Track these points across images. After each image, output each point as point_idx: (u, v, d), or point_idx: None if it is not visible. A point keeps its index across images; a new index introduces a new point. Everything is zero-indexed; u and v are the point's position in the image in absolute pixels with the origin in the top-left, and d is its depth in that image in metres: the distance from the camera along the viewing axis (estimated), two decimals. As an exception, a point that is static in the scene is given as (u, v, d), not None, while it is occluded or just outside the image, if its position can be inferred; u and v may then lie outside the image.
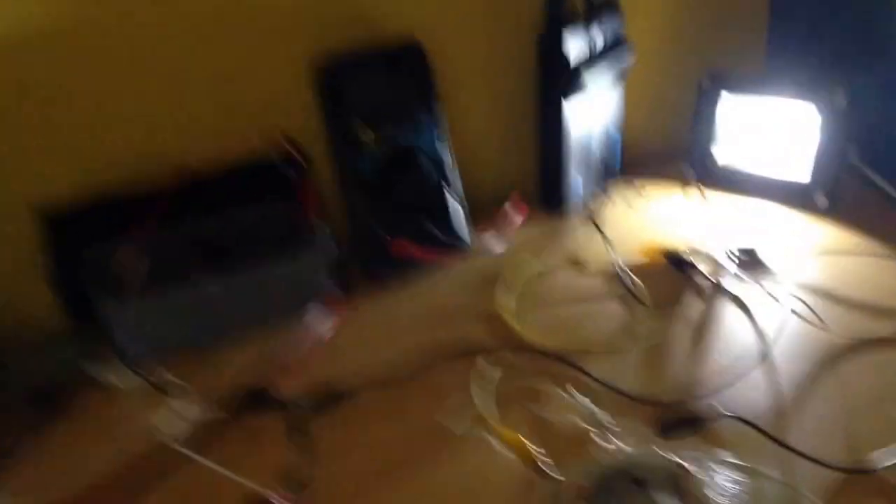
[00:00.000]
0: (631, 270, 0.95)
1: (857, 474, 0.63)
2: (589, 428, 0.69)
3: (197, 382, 0.83)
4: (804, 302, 0.85)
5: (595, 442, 0.67)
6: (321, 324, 0.91)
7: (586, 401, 0.72)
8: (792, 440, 0.66)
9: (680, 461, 0.58)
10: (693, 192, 1.12)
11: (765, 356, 0.78)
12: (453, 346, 0.84)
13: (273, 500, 0.63)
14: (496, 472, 0.67)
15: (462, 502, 0.65)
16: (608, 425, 0.69)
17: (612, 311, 0.89)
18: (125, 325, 0.85)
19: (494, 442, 0.69)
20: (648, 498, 0.59)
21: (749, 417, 0.68)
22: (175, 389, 0.82)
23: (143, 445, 0.75)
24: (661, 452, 0.61)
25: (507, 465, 0.67)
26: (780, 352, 0.78)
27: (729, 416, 0.68)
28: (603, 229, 1.04)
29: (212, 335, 0.89)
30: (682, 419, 0.68)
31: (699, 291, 0.90)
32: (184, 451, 0.73)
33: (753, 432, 0.67)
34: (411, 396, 0.79)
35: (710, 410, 0.68)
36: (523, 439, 0.68)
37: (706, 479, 0.57)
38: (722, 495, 0.56)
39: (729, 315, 0.85)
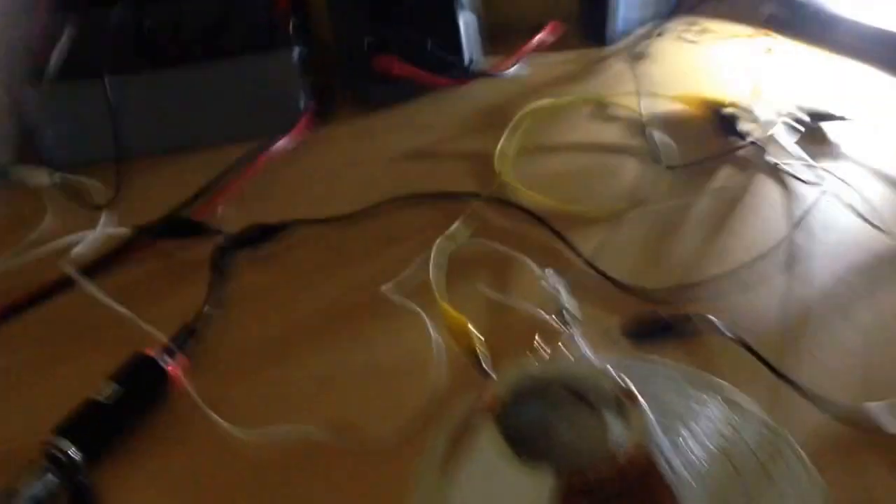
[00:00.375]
0: (663, 122, 0.78)
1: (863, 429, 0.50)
2: (550, 321, 0.56)
3: (121, 197, 0.72)
4: (868, 200, 0.68)
5: (545, 341, 0.54)
6: (281, 143, 0.78)
7: (559, 286, 0.59)
8: (800, 374, 0.52)
9: (624, 383, 0.45)
10: (767, 39, 0.92)
11: (792, 262, 0.63)
12: (425, 189, 0.71)
13: (150, 355, 0.53)
14: (426, 358, 0.55)
15: (375, 386, 0.54)
16: (571, 320, 0.56)
17: (627, 169, 0.74)
18: (46, 116, 0.74)
19: (430, 323, 0.57)
20: (589, 412, 0.47)
21: (752, 334, 0.54)
22: (95, 200, 0.71)
23: (36, 256, 0.66)
24: (598, 365, 0.48)
25: (442, 353, 0.55)
26: (819, 256, 0.63)
27: (720, 328, 0.54)
28: (643, 68, 0.87)
29: (153, 144, 0.77)
30: (662, 323, 0.55)
31: (739, 162, 0.74)
32: (74, 274, 0.63)
33: (748, 354, 0.53)
34: (356, 243, 0.67)
35: (701, 318, 0.55)
36: (469, 326, 0.55)
37: (648, 416, 0.44)
38: (661, 445, 0.44)
39: (767, 199, 0.69)
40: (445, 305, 0.57)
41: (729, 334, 0.52)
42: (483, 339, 0.54)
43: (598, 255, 0.63)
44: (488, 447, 0.42)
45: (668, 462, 0.43)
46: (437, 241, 0.64)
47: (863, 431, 0.48)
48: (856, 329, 0.55)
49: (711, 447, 0.48)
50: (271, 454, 0.49)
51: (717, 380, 0.51)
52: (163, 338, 0.56)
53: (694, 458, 0.47)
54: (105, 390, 0.50)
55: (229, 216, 0.70)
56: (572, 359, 0.49)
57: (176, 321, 0.58)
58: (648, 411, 0.44)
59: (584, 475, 0.40)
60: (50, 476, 0.44)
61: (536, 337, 0.52)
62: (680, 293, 0.59)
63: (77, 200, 0.72)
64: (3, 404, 0.54)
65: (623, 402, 0.44)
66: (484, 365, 0.53)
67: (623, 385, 0.45)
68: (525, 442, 0.45)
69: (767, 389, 0.51)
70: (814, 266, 0.61)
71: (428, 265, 0.62)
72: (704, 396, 0.51)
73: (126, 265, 0.65)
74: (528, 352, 0.52)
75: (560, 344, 0.53)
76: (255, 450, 0.49)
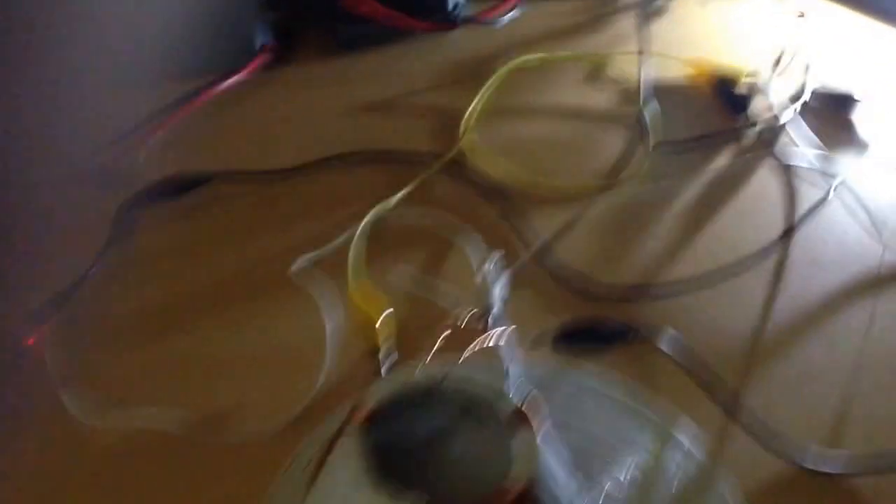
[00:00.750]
0: (664, 91, 0.69)
1: (811, 473, 0.42)
2: (472, 318, 0.49)
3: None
4: (881, 209, 0.59)
5: (465, 341, 0.47)
6: (227, 84, 0.71)
7: (495, 277, 0.51)
8: (760, 409, 0.44)
9: (523, 401, 0.39)
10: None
11: (779, 271, 0.54)
12: (377, 147, 0.64)
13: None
14: (323, 350, 0.48)
15: (259, 375, 0.48)
16: (496, 319, 0.49)
17: (611, 143, 0.66)
18: None
19: (340, 309, 0.50)
20: (474, 433, 0.41)
21: (714, 352, 0.47)
22: None
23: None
24: (495, 378, 0.41)
25: (345, 347, 0.49)
26: (812, 269, 0.54)
27: (665, 349, 0.46)
28: (655, 27, 0.77)
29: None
30: (605, 330, 0.47)
31: (741, 146, 0.65)
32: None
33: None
34: (284, 204, 0.60)
35: (651, 330, 0.47)
36: (379, 319, 0.48)
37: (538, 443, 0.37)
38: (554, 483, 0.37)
39: (766, 194, 0.60)
40: (354, 292, 0.50)
41: (676, 357, 0.45)
42: (394, 333, 0.47)
43: (556, 240, 0.56)
44: (349, 466, 0.36)
45: (557, 500, 0.36)
46: (372, 211, 0.57)
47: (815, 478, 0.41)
48: (839, 363, 0.47)
49: (627, 486, 0.40)
50: (120, 444, 0.43)
51: (654, 406, 0.44)
52: (39, 300, 0.50)
53: (602, 497, 0.40)
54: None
55: (152, 162, 0.63)
56: (474, 366, 0.41)
57: (63, 280, 0.52)
58: (540, 437, 0.37)
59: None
60: None
61: (440, 337, 0.44)
62: (638, 295, 0.52)
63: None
64: None
65: (514, 424, 0.38)
66: (383, 364, 0.46)
67: (515, 404, 0.38)
68: (393, 464, 0.38)
69: (716, 420, 0.43)
70: (803, 280, 0.53)
71: (353, 239, 0.55)
72: (635, 422, 0.44)
73: (22, 210, 0.59)
74: (428, 354, 0.45)
75: (475, 346, 0.46)
76: (103, 437, 0.44)
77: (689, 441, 0.43)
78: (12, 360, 0.46)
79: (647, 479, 0.41)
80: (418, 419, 0.41)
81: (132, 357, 0.48)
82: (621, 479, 0.41)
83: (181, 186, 0.60)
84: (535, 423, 0.37)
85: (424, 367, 0.40)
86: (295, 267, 0.53)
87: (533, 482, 0.35)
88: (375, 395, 0.39)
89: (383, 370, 0.46)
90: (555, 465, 0.38)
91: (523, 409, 0.38)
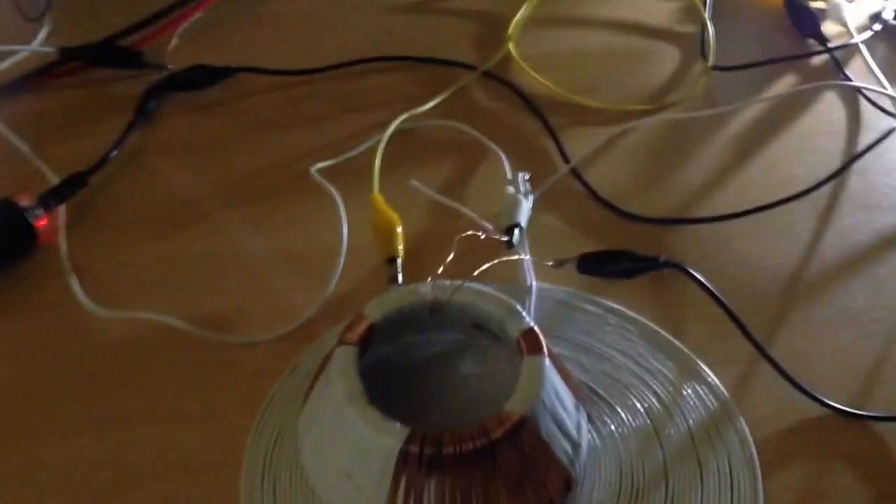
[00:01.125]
0: (730, 8, 0.66)
1: (840, 415, 0.40)
2: (495, 235, 0.48)
3: (58, 12, 0.65)
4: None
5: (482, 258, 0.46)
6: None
7: (523, 195, 0.50)
8: (785, 358, 0.42)
9: (530, 324, 0.37)
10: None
11: (830, 210, 0.52)
12: (412, 51, 0.62)
13: (17, 202, 0.47)
14: (337, 257, 0.47)
15: (270, 278, 0.47)
16: (519, 239, 0.47)
17: (664, 61, 0.63)
18: None
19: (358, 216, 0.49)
20: (476, 357, 0.40)
21: (745, 294, 0.45)
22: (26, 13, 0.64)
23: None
24: (507, 298, 0.39)
25: (359, 253, 0.48)
26: (868, 211, 0.51)
27: (699, 278, 0.44)
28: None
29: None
30: (631, 259, 0.45)
31: (808, 72, 0.62)
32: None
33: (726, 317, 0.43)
34: (310, 105, 0.59)
35: (680, 265, 0.45)
36: (398, 229, 0.47)
37: (545, 372, 0.36)
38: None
39: (828, 124, 0.57)
40: (379, 198, 0.49)
41: (708, 285, 0.43)
42: (412, 244, 0.47)
43: (593, 161, 0.54)
44: (344, 380, 0.35)
45: (565, 435, 0.36)
46: (401, 117, 0.55)
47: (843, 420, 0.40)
48: (882, 309, 0.45)
49: (636, 420, 0.40)
50: (126, 334, 0.44)
51: (680, 337, 0.43)
52: (54, 181, 0.50)
53: (611, 429, 0.39)
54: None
55: (179, 52, 0.62)
56: (492, 285, 0.40)
57: (79, 164, 0.52)
58: (548, 366, 0.36)
59: (438, 444, 0.33)
60: None
61: (455, 247, 0.42)
62: (673, 222, 0.50)
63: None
64: None
65: (523, 347, 0.37)
66: (398, 276, 0.45)
67: (527, 324, 0.37)
68: (387, 381, 0.38)
69: (744, 357, 0.42)
70: (855, 220, 0.50)
71: (380, 145, 0.53)
72: (659, 351, 0.43)
73: (46, 91, 0.59)
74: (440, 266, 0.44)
75: (495, 261, 0.45)
76: (109, 327, 0.44)
77: (713, 375, 0.41)
78: (21, 239, 0.46)
79: (665, 409, 0.40)
80: (421, 335, 0.40)
81: (144, 248, 0.48)
82: (638, 406, 0.40)
83: (207, 78, 0.59)
84: (543, 346, 0.36)
85: (435, 281, 0.39)
86: (316, 169, 0.51)
87: (534, 409, 0.34)
88: (378, 308, 0.38)
89: (398, 281, 0.45)
90: (563, 389, 0.37)
91: (534, 329, 0.37)
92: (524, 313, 0.37)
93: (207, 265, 0.47)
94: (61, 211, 0.49)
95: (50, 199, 0.48)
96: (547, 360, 0.35)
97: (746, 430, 0.39)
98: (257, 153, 0.54)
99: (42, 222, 0.47)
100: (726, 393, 0.40)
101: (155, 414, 0.40)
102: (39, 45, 0.61)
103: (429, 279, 0.39)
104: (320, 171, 0.52)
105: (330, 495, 0.35)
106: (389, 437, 0.32)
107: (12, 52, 0.60)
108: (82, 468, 0.38)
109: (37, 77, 0.59)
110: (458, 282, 0.38)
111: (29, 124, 0.55)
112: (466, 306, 0.39)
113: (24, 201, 0.47)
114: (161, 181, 0.52)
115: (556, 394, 0.36)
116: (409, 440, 0.32)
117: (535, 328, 0.36)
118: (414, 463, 0.32)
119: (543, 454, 0.35)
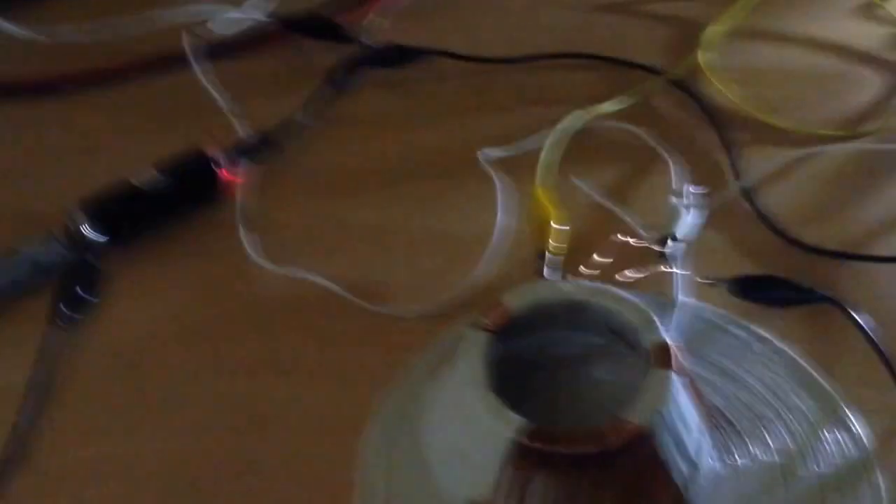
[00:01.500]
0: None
1: None
2: (652, 245, 0.48)
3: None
4: None
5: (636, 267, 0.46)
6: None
7: (688, 208, 0.49)
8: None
9: (667, 338, 0.37)
10: None
11: None
12: (600, 50, 0.62)
13: (206, 153, 0.52)
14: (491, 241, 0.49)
15: (424, 254, 0.50)
16: (674, 253, 0.47)
17: (866, 87, 0.60)
18: None
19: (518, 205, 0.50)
20: (610, 363, 0.40)
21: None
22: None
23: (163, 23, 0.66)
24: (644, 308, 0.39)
25: (514, 243, 0.49)
26: None
27: (853, 315, 0.42)
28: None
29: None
30: (784, 286, 0.44)
31: None
32: (188, 49, 0.62)
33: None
34: (494, 93, 0.61)
35: (837, 299, 0.43)
36: (552, 222, 0.48)
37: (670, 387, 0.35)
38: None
39: None
40: (538, 192, 0.50)
41: (866, 328, 0.41)
42: (567, 241, 0.47)
43: (766, 184, 0.52)
44: (471, 366, 0.37)
45: (683, 456, 0.35)
46: (575, 113, 0.56)
47: None
48: None
49: (765, 454, 0.39)
50: (285, 292, 0.47)
51: (829, 378, 0.41)
52: (246, 139, 0.55)
53: (736, 460, 0.38)
54: (144, 176, 0.49)
55: (376, 28, 0.65)
56: (636, 293, 0.40)
57: (271, 126, 0.56)
58: (674, 381, 0.35)
59: (552, 440, 0.33)
60: (56, 244, 0.45)
61: (596, 253, 0.43)
62: (842, 258, 0.48)
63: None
64: (63, 167, 0.56)
65: (652, 360, 0.36)
66: (547, 268, 0.46)
67: (662, 338, 0.37)
68: (518, 375, 0.39)
69: (888, 415, 0.40)
70: None
71: (549, 139, 0.54)
72: (803, 388, 0.41)
73: (250, 54, 0.64)
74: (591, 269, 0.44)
75: (645, 269, 0.45)
76: (270, 282, 0.48)
77: (857, 423, 0.39)
78: (206, 188, 0.51)
79: (798, 449, 0.39)
80: (559, 333, 0.41)
81: (315, 212, 0.52)
82: (769, 440, 0.39)
83: (399, 57, 0.62)
84: (675, 363, 0.36)
85: (579, 280, 0.40)
86: (484, 156, 0.53)
87: (652, 422, 0.34)
88: (516, 298, 0.39)
89: (546, 274, 0.45)
90: (690, 411, 0.36)
91: (667, 343, 0.36)
92: (661, 326, 0.37)
93: (368, 236, 0.50)
94: (248, 167, 0.53)
95: (238, 154, 0.53)
96: (674, 376, 0.35)
97: (883, 488, 0.37)
98: (434, 134, 0.57)
99: (228, 175, 0.51)
100: (868, 445, 0.38)
101: (295, 367, 0.44)
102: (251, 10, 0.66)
103: (569, 277, 0.39)
104: (489, 158, 0.53)
105: (442, 470, 0.37)
106: (504, 424, 0.33)
107: (214, 13, 0.65)
108: (224, 406, 0.42)
109: (247, 42, 0.63)
110: (600, 284, 0.39)
111: (233, 84, 0.60)
112: (606, 310, 0.39)
113: (215, 153, 0.51)
114: (342, 151, 0.56)
115: (680, 412, 0.35)
116: (524, 432, 0.33)
117: (670, 342, 0.36)
118: (524, 455, 0.33)
119: (658, 471, 0.35)
